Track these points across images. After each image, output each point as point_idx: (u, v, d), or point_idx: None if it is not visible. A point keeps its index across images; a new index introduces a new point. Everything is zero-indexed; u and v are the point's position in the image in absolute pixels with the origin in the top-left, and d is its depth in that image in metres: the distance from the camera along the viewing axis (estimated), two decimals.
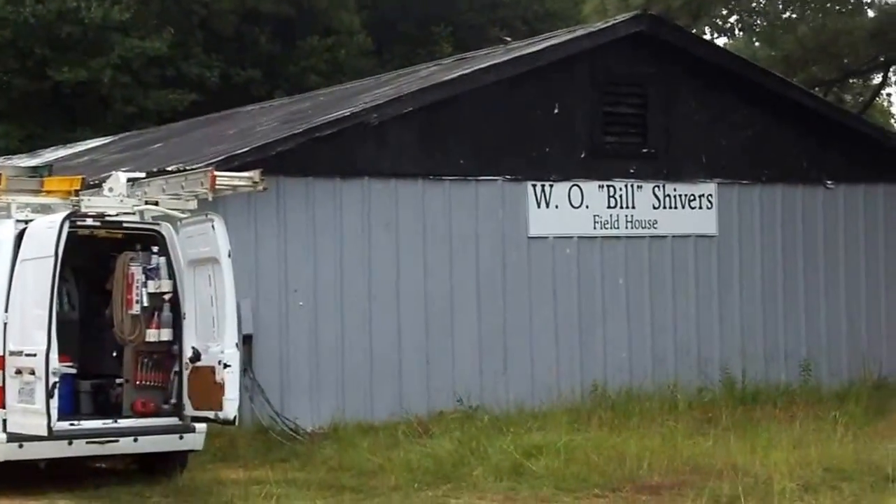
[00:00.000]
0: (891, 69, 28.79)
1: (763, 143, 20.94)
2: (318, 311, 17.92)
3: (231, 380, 13.45)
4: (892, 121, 42.97)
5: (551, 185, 19.38)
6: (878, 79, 30.94)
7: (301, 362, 17.76)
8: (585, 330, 19.53)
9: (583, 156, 19.64)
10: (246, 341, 17.23)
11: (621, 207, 19.87)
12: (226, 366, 13.51)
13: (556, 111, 19.47)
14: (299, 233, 17.84)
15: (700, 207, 20.45)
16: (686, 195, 20.34)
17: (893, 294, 21.82)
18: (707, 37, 29.82)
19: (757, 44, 29.84)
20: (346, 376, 18.00)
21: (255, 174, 13.98)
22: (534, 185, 19.26)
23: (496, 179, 19.05)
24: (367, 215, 18.23)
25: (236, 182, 14.07)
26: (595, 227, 19.68)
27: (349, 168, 18.12)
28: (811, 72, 26.24)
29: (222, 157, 17.08)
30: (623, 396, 18.57)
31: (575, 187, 19.55)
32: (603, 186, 19.75)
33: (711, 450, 14.35)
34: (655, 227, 20.09)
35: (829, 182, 21.45)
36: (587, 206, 19.63)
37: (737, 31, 30.92)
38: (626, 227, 19.88)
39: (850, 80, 30.02)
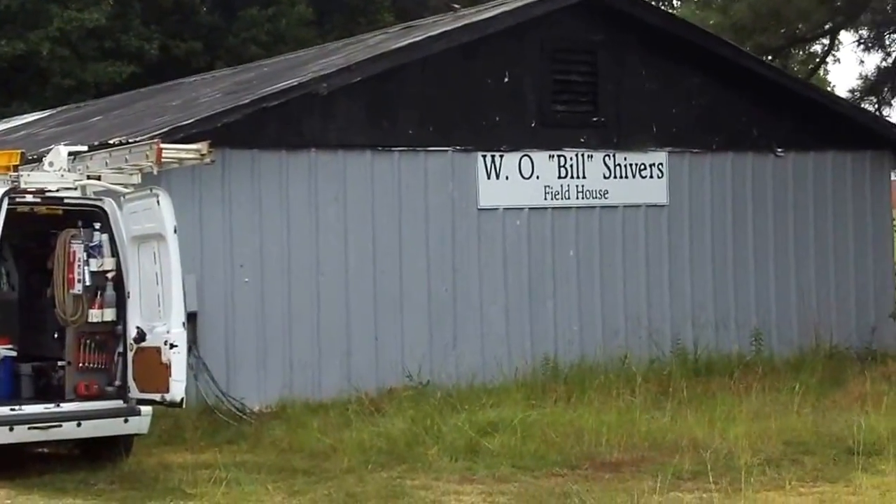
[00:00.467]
0: (837, 36, 28.68)
1: (714, 111, 20.73)
2: (265, 286, 17.53)
3: (178, 360, 13.03)
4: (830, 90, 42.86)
5: (501, 156, 19.08)
6: (819, 47, 30.89)
7: (247, 340, 17.38)
8: (536, 302, 19.26)
9: (533, 125, 19.34)
10: (190, 319, 16.63)
11: (572, 177, 19.59)
12: (172, 346, 13.09)
13: (506, 80, 19.16)
14: (245, 207, 17.44)
15: (651, 177, 20.21)
16: (637, 164, 20.10)
17: (842, 262, 21.68)
18: (658, 4, 29.58)
19: (698, 13, 29.66)
20: (293, 353, 17.63)
21: (202, 146, 13.57)
22: (483, 156, 18.96)
23: (446, 150, 18.71)
24: (314, 188, 17.86)
25: (183, 154, 13.65)
26: (545, 198, 19.39)
27: (296, 140, 17.74)
28: (758, 40, 26.01)
29: (166, 129, 16.64)
30: (575, 370, 18.33)
31: (525, 157, 19.26)
32: (553, 156, 19.46)
33: (669, 424, 14.13)
34: (606, 198, 19.83)
35: (779, 150, 21.28)
36: (538, 177, 19.34)
37: None
38: (577, 198, 19.61)
39: (794, 49, 29.82)
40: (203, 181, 17.11)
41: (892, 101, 29.06)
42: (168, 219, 13.23)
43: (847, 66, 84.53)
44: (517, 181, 19.17)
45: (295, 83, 17.80)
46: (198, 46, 40.02)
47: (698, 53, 20.45)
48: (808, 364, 18.96)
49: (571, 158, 19.59)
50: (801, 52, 31.04)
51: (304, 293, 17.71)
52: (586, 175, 19.68)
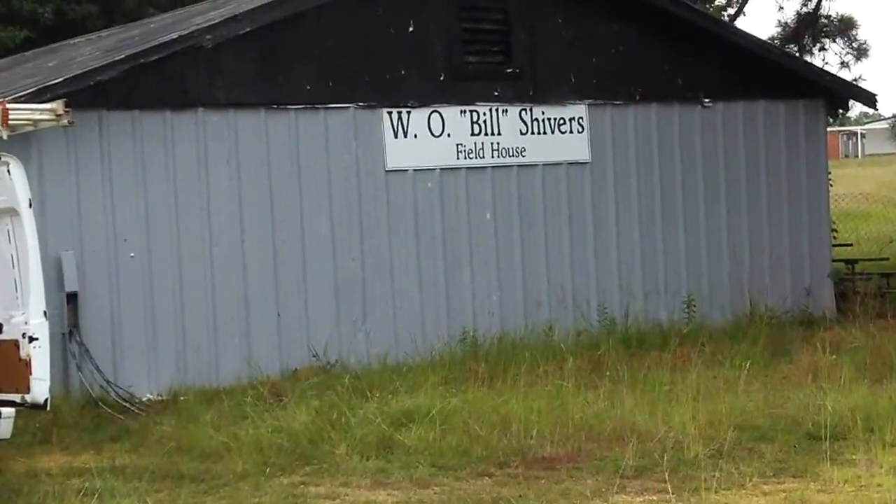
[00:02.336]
0: None
1: (635, 59, 19.26)
2: (153, 262, 15.87)
3: (39, 356, 11.25)
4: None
5: (409, 112, 17.48)
6: None
7: (135, 321, 15.72)
8: (451, 271, 17.74)
9: (442, 78, 17.75)
10: (70, 300, 15.25)
11: (486, 134, 18.04)
12: (32, 339, 11.31)
13: (411, 29, 17.53)
14: (127, 174, 15.74)
15: (571, 132, 18.72)
16: (555, 119, 18.59)
17: (776, 220, 20.34)
18: None
19: None
20: (186, 335, 16.02)
21: (57, 105, 11.83)
22: (389, 113, 17.35)
23: (347, 107, 17.08)
24: (203, 151, 16.19)
25: (36, 115, 11.89)
26: (458, 158, 17.84)
27: (181, 98, 16.03)
28: None
29: (31, 89, 14.84)
30: (497, 345, 16.82)
31: (435, 114, 17.68)
32: (465, 112, 17.90)
33: (606, 409, 12.57)
34: (524, 156, 18.32)
35: (706, 100, 19.87)
36: (449, 135, 17.77)
37: None
38: (492, 157, 18.08)
39: None
40: (80, 146, 15.45)
41: (814, 49, 27.73)
42: (21, 190, 11.42)
43: (760, 15, 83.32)
44: (427, 140, 17.60)
45: (175, 36, 16.05)
46: (94, 10, 38.27)
47: None
48: (745, 332, 17.60)
49: (485, 114, 18.05)
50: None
51: (196, 267, 16.09)
52: (501, 132, 18.15)
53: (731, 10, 31.01)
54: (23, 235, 11.44)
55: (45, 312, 11.49)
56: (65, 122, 11.87)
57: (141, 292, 15.76)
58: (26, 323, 11.43)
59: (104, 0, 38.61)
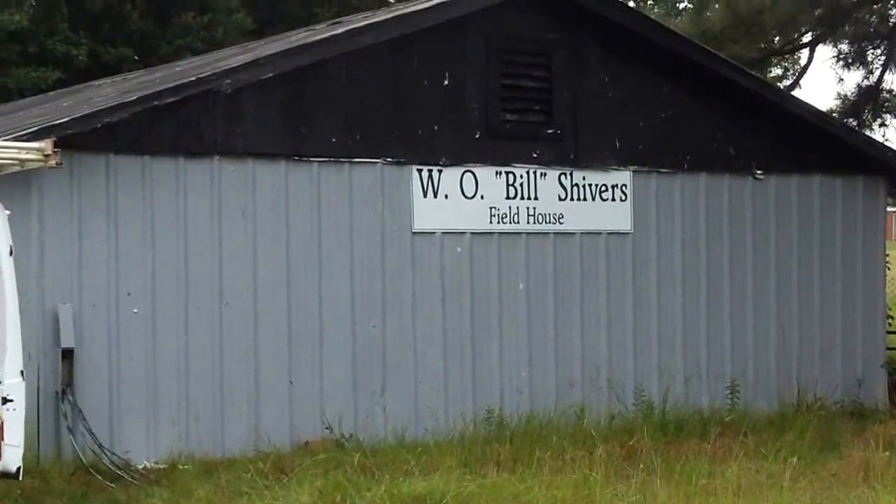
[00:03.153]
0: (815, 50, 26.07)
1: (685, 125, 18.09)
2: (158, 318, 14.76)
3: (13, 419, 10.13)
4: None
5: (440, 171, 16.35)
6: (800, 58, 28.36)
7: (136, 382, 14.60)
8: (479, 344, 16.54)
9: (477, 136, 16.62)
10: (66, 356, 14.14)
11: (522, 198, 16.88)
12: (6, 401, 10.19)
13: (446, 83, 16.43)
14: (134, 223, 14.67)
15: (613, 199, 17.54)
16: (597, 185, 17.42)
17: (829, 303, 19.06)
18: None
19: (666, 17, 27.28)
20: (190, 400, 14.87)
21: (45, 144, 10.91)
22: (419, 170, 16.22)
23: (375, 162, 15.98)
24: (217, 203, 15.11)
25: (23, 155, 10.83)
26: (491, 222, 16.68)
27: (196, 145, 14.98)
28: (730, 51, 23.40)
29: (33, 129, 13.76)
30: (523, 424, 15.58)
31: (468, 173, 16.53)
32: (501, 173, 16.75)
33: (637, 502, 11.30)
34: (561, 222, 17.14)
35: (758, 172, 18.65)
36: (482, 196, 16.62)
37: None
38: (528, 222, 16.90)
39: (770, 63, 27.29)
40: (84, 192, 14.41)
41: (874, 125, 26.49)
42: (2, 237, 10.32)
43: (820, 86, 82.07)
44: (458, 201, 16.46)
45: (193, 78, 14.99)
46: (129, 53, 37.73)
47: (669, 59, 17.82)
48: (792, 422, 16.26)
49: (522, 176, 16.89)
50: (776, 67, 28.51)
51: (204, 327, 14.97)
52: (538, 196, 16.99)
53: (788, 82, 29.87)
54: (1, 286, 10.32)
55: (21, 372, 10.37)
56: (52, 162, 10.91)
57: (143, 351, 14.67)
58: (1, 382, 10.31)
59: (140, 44, 38.06)
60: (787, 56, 27.76)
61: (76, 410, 14.08)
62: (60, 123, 13.98)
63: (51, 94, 26.51)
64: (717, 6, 23.79)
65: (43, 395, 14.03)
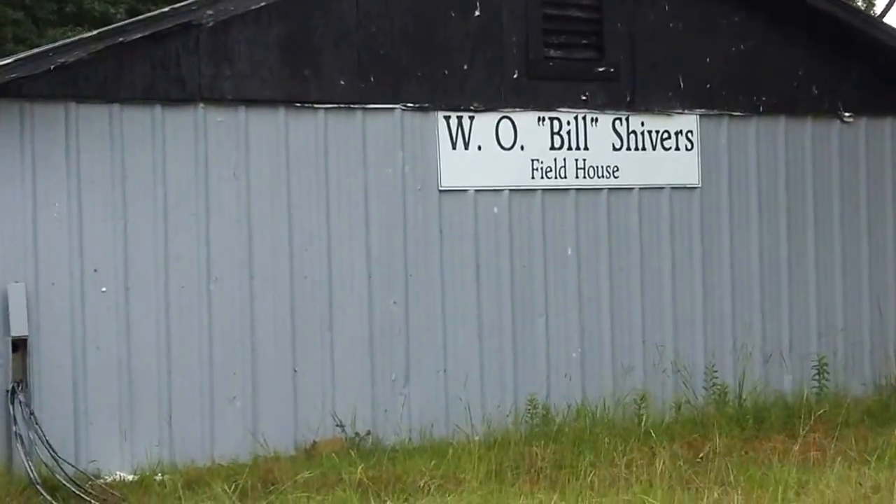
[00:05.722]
0: None
1: (760, 61, 15.42)
2: (132, 300, 12.40)
3: None
4: None
5: (471, 117, 13.82)
6: None
7: (105, 377, 12.27)
8: (520, 321, 14.05)
9: (515, 76, 14.05)
10: (17, 347, 11.83)
11: (570, 149, 14.32)
12: None
13: (477, 13, 13.88)
14: (101, 185, 12.33)
15: (677, 148, 14.96)
16: (658, 132, 14.85)
17: None
18: None
19: None
20: (173, 395, 12.54)
21: None
22: (446, 117, 13.72)
23: (392, 108, 13.48)
24: (203, 160, 12.73)
25: None
26: (534, 177, 14.16)
27: (176, 90, 12.56)
28: None
29: None
30: (572, 419, 13.05)
31: (505, 120, 13.99)
32: (544, 119, 14.20)
33: None
34: (616, 177, 14.58)
35: (846, 114, 15.97)
36: (522, 147, 14.08)
37: None
38: (577, 177, 14.36)
39: None
40: (39, 148, 12.19)
41: None
42: None
43: None
44: (494, 153, 13.94)
45: (167, 9, 12.46)
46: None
47: None
48: (894, 411, 13.67)
49: (569, 123, 14.33)
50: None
51: (188, 309, 12.61)
52: (589, 146, 14.43)
53: (876, 10, 27.01)
54: None
55: None
56: None
57: (114, 339, 12.34)
58: None
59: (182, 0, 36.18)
60: None
61: (28, 412, 11.68)
62: (4, 65, 11.52)
63: None
64: None
65: None
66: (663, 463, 10.68)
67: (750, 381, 14.46)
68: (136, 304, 12.40)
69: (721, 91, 15.19)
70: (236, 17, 12.64)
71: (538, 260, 14.21)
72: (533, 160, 14.12)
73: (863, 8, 27.18)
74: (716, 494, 9.97)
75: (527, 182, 14.11)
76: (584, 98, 14.41)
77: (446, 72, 13.70)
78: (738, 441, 12.20)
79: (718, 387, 14.15)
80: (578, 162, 14.36)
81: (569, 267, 14.36)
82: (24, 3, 33.35)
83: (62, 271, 12.14)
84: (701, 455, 11.57)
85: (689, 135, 15.01)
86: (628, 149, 14.65)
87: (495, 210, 14.00)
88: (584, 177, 14.39)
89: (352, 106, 13.28)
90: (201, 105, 12.66)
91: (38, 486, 11.16)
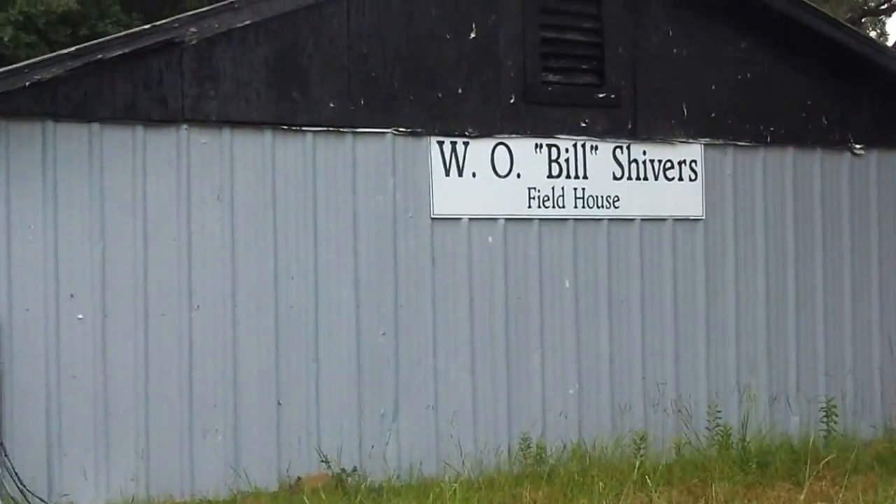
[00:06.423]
0: None
1: (768, 89, 14.89)
2: (109, 326, 11.87)
3: None
4: None
5: (466, 143, 13.30)
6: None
7: (81, 406, 11.72)
8: (515, 355, 13.48)
9: (512, 101, 13.53)
10: None
11: (568, 177, 13.79)
12: None
13: (472, 35, 13.37)
14: (79, 208, 11.82)
15: (680, 178, 14.41)
16: (660, 161, 14.31)
17: None
18: None
19: None
20: (151, 427, 11.98)
21: None
22: (440, 143, 13.19)
23: (384, 132, 12.97)
24: (185, 183, 12.22)
25: None
26: (530, 205, 13.62)
27: (158, 110, 12.07)
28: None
29: None
30: (567, 458, 12.48)
31: (501, 146, 13.47)
32: (541, 146, 13.67)
33: None
34: (617, 206, 14.05)
35: (857, 146, 15.43)
36: (518, 175, 13.55)
37: None
38: (576, 206, 13.83)
39: (866, 20, 24.05)
40: (14, 168, 11.72)
41: None
42: None
43: None
44: (489, 180, 13.42)
45: (148, 26, 11.98)
46: None
47: (748, 8, 14.63)
48: None
49: (567, 150, 13.81)
50: (870, 29, 25.30)
51: (167, 336, 12.08)
52: (588, 174, 13.90)
53: (888, 44, 26.53)
54: None
55: None
56: None
57: (90, 367, 11.80)
58: None
59: None
60: (882, 17, 24.46)
61: None
62: None
63: None
64: None
65: None
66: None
67: (754, 423, 13.83)
68: (113, 331, 11.88)
69: (727, 120, 14.67)
70: (221, 34, 12.15)
71: (534, 292, 13.67)
72: (530, 188, 13.60)
73: (876, 37, 26.60)
74: None
75: (523, 211, 13.58)
76: (583, 125, 13.89)
77: (440, 95, 13.21)
78: (740, 487, 11.56)
79: (721, 428, 13.52)
80: (577, 191, 13.84)
81: (566, 300, 13.82)
82: (38, 28, 33.08)
83: (37, 296, 11.63)
84: (699, 496, 10.99)
85: (693, 164, 14.49)
86: (629, 178, 14.13)
87: (490, 239, 13.47)
88: (583, 206, 13.86)
89: (341, 129, 12.78)
90: (184, 126, 12.17)
91: None
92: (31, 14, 32.37)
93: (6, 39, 31.92)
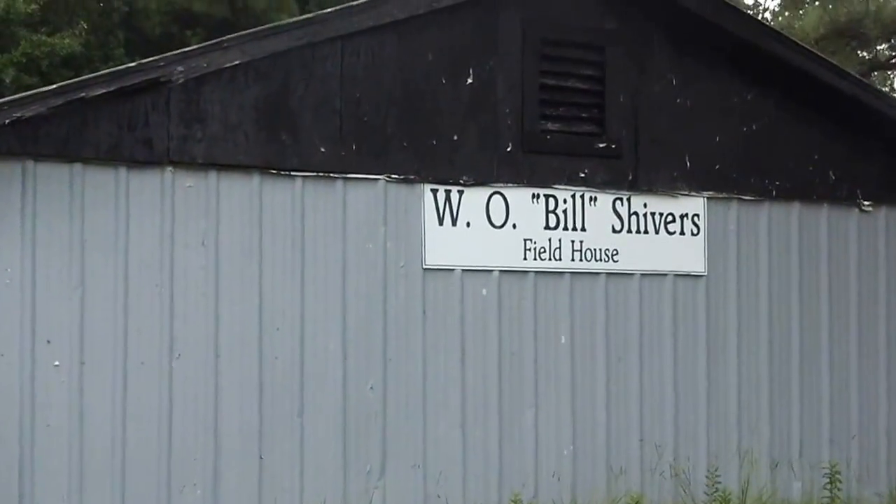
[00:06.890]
0: None
1: (774, 142, 14.51)
2: (86, 375, 11.41)
3: None
4: None
5: (460, 192, 12.90)
6: None
7: (54, 459, 11.25)
8: (508, 413, 13.02)
9: (509, 149, 13.14)
10: None
11: (566, 229, 13.38)
12: None
13: (469, 80, 12.99)
14: (58, 251, 11.39)
15: (682, 232, 13.99)
16: (661, 214, 13.90)
17: None
18: None
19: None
20: (128, 482, 11.49)
21: None
22: (434, 191, 12.78)
23: (376, 179, 12.57)
24: (169, 226, 11.79)
25: None
26: (526, 257, 13.19)
27: (142, 152, 11.67)
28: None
29: None
30: None
31: (496, 196, 13.07)
32: (539, 196, 13.27)
33: None
34: (616, 260, 13.62)
35: (866, 202, 15.04)
36: (514, 225, 13.13)
37: None
38: (573, 259, 13.40)
39: (876, 73, 23.72)
40: None
41: None
42: None
43: None
44: (484, 230, 13.00)
45: (133, 64, 11.61)
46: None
47: (755, 58, 14.26)
48: None
49: (566, 201, 13.40)
50: (880, 83, 25.01)
51: (148, 387, 11.61)
52: (587, 227, 13.49)
53: None
54: None
55: None
56: None
57: (66, 417, 11.33)
58: None
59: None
60: (890, 72, 24.16)
61: None
62: None
63: None
64: (810, 12, 20.29)
65: None
66: None
67: (755, 489, 13.38)
68: (90, 379, 11.43)
69: (731, 173, 14.27)
70: (209, 74, 11.77)
71: (529, 347, 13.22)
72: (526, 240, 13.18)
73: (886, 90, 26.36)
74: None
75: (518, 263, 13.16)
76: (582, 175, 13.49)
77: (435, 142, 12.81)
78: None
79: (720, 494, 13.04)
80: (575, 243, 13.41)
81: (562, 356, 13.37)
82: (41, 70, 32.94)
83: (12, 342, 11.19)
84: None
85: (696, 218, 14.08)
86: (629, 231, 13.71)
87: (484, 292, 13.04)
88: (581, 259, 13.44)
89: (332, 175, 12.37)
90: (169, 168, 11.76)
91: None
92: (35, 56, 32.32)
93: (8, 81, 31.82)
